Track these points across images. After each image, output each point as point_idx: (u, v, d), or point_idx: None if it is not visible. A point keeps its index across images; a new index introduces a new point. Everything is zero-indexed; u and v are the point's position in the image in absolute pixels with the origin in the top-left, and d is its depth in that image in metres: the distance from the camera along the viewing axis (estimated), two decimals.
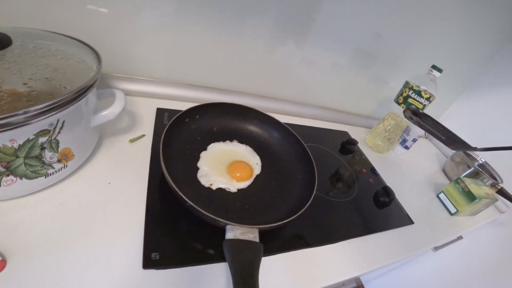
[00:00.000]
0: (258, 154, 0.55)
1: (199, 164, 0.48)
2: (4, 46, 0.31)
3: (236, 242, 0.35)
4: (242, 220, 0.39)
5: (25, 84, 0.29)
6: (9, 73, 0.29)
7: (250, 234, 0.36)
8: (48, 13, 0.46)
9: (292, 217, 0.40)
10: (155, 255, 0.34)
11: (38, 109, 0.27)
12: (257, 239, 0.36)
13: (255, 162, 0.53)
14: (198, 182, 0.45)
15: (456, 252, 0.92)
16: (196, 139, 0.51)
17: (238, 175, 0.48)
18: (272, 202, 0.47)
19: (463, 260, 0.93)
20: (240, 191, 0.47)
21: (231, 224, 0.36)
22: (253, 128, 0.59)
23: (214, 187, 0.45)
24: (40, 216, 0.33)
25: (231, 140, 0.55)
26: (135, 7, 0.51)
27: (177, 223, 0.39)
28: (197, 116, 0.52)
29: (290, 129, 0.57)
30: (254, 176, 0.50)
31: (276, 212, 0.45)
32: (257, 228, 0.37)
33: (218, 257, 0.37)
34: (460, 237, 0.82)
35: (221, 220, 0.35)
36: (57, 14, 0.47)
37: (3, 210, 0.32)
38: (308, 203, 0.43)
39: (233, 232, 0.35)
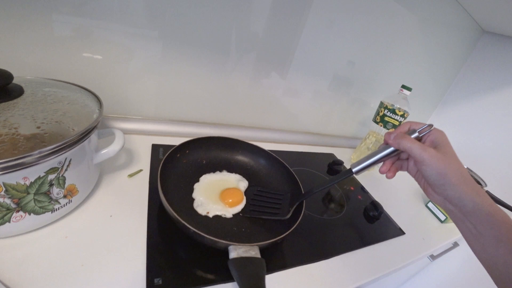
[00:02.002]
0: (248, 180, 0.58)
1: (194, 195, 0.50)
2: (18, 95, 0.36)
3: (240, 259, 0.37)
4: (242, 240, 0.41)
5: (38, 127, 0.33)
6: (23, 118, 0.33)
7: (251, 251, 0.38)
8: (50, 62, 0.52)
9: (288, 231, 0.42)
10: (158, 280, 0.36)
11: (50, 149, 0.31)
12: (259, 255, 0.38)
13: (244, 187, 0.56)
14: (195, 211, 0.47)
15: (455, 260, 0.93)
16: (189, 172, 0.54)
17: (230, 200, 0.51)
18: (266, 223, 0.50)
19: (463, 267, 0.93)
20: (235, 216, 0.49)
21: (233, 244, 0.38)
22: (240, 157, 0.62)
23: (211, 215, 0.47)
24: (46, 250, 0.35)
25: (220, 171, 0.58)
26: (126, 52, 0.57)
27: (178, 249, 0.41)
28: (187, 151, 0.55)
29: (274, 154, 0.61)
30: (245, 199, 0.53)
31: (271, 231, 0.47)
32: (257, 245, 0.39)
33: (219, 279, 0.39)
34: (456, 244, 0.83)
35: (224, 241, 0.38)
36: (57, 63, 0.52)
37: (10, 245, 0.34)
38: (300, 218, 0.46)
39: (236, 251, 0.38)
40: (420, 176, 0.38)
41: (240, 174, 0.59)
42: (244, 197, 0.53)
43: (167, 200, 0.40)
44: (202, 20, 0.58)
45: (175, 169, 0.52)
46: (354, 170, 0.41)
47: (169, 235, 0.42)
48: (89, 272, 0.34)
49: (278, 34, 0.67)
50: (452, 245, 0.83)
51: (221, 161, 0.60)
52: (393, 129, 0.40)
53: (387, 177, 0.40)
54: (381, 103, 0.79)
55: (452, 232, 0.72)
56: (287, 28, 0.67)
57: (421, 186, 0.39)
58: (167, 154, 0.49)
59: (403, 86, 0.76)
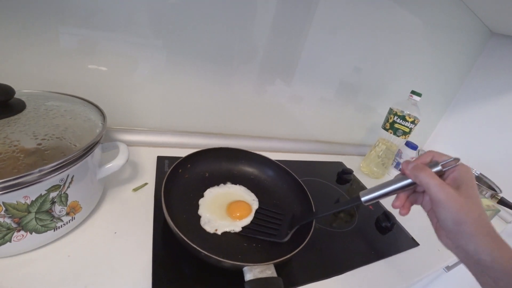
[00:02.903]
0: (253, 191, 0.56)
1: (200, 212, 0.48)
2: (20, 111, 0.35)
3: (258, 281, 0.35)
4: (254, 258, 0.40)
5: (39, 144, 0.32)
6: (24, 135, 0.32)
7: (267, 270, 0.37)
8: (55, 74, 0.51)
9: (302, 245, 0.41)
10: None
11: (51, 167, 0.30)
12: (275, 274, 0.37)
13: (251, 199, 0.54)
14: (203, 229, 0.45)
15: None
16: (192, 187, 0.52)
17: (238, 214, 0.49)
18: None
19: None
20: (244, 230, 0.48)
21: (248, 265, 0.36)
22: (245, 168, 0.61)
23: (219, 232, 0.46)
24: (48, 270, 0.34)
25: (224, 183, 0.56)
26: (131, 63, 0.56)
27: (184, 267, 0.39)
28: (189, 165, 0.53)
29: (281, 164, 0.59)
30: (253, 212, 0.51)
31: (283, 245, 0.45)
32: (272, 264, 0.38)
33: None
34: None
35: (239, 263, 0.36)
36: (62, 75, 0.52)
37: (12, 265, 0.33)
38: (311, 230, 0.44)
39: (252, 272, 0.36)
40: (433, 215, 0.33)
41: (244, 185, 0.57)
42: (252, 209, 0.51)
43: (174, 223, 0.38)
44: (205, 30, 0.57)
45: (178, 186, 0.50)
46: (362, 199, 0.37)
47: (175, 253, 0.40)
48: None
49: (282, 41, 0.66)
50: None
51: (224, 173, 0.58)
52: (413, 158, 0.35)
53: (401, 214, 0.36)
54: (391, 109, 0.78)
55: None
56: (291, 35, 0.66)
57: (432, 225, 0.34)
58: (168, 172, 0.47)
59: (413, 92, 0.74)
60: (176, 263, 0.39)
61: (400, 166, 0.36)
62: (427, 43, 0.87)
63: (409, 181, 0.34)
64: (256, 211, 0.51)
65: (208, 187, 0.54)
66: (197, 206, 0.49)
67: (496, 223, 0.82)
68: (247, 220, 0.49)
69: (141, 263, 0.38)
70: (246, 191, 0.56)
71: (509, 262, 0.27)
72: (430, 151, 0.35)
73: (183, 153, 0.54)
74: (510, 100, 0.97)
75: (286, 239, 0.46)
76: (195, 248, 0.35)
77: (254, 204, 0.53)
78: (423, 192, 0.35)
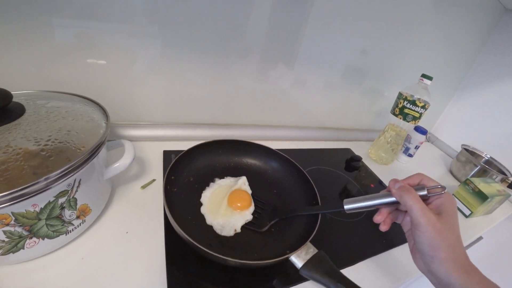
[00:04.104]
0: (253, 182, 0.54)
1: (209, 221, 0.45)
2: (19, 115, 0.34)
3: (309, 262, 0.38)
4: (272, 250, 0.41)
5: (42, 150, 0.31)
6: (26, 141, 0.31)
7: (309, 249, 0.39)
8: (53, 72, 0.50)
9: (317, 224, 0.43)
10: None
11: (57, 174, 0.29)
12: (316, 250, 0.39)
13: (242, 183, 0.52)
14: (223, 236, 0.43)
15: (477, 253, 0.90)
16: (187, 197, 0.48)
17: (239, 204, 0.48)
18: (289, 226, 0.48)
19: (485, 260, 0.90)
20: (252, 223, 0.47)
21: (294, 253, 0.38)
22: (244, 160, 0.59)
23: (238, 230, 0.45)
24: (63, 273, 0.34)
25: (213, 181, 0.53)
26: (130, 55, 0.54)
27: (199, 264, 0.39)
28: (172, 177, 0.47)
29: (282, 153, 0.57)
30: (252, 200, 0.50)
31: (298, 229, 0.46)
32: (309, 242, 0.40)
33: None
34: (480, 238, 0.80)
35: (284, 257, 0.37)
36: (61, 72, 0.50)
37: (27, 271, 0.33)
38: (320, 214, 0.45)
39: (300, 257, 0.38)
40: (411, 237, 0.35)
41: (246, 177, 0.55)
42: (249, 191, 0.51)
43: (186, 233, 0.35)
44: (204, 14, 0.54)
45: (180, 197, 0.47)
46: (345, 207, 0.39)
47: (189, 249, 0.40)
48: None
49: (283, 22, 0.62)
50: (475, 239, 0.80)
51: (208, 172, 0.54)
52: (402, 180, 0.37)
53: (381, 229, 0.37)
54: (400, 94, 0.75)
55: (478, 226, 0.69)
56: (293, 16, 0.62)
57: (409, 246, 0.36)
58: (165, 176, 0.44)
59: (423, 75, 0.71)
60: (190, 257, 0.39)
61: (388, 184, 0.38)
62: (438, 21, 0.83)
63: (393, 199, 0.35)
64: None
65: (203, 191, 0.50)
66: (202, 217, 0.46)
67: (507, 208, 0.81)
68: (252, 206, 0.49)
69: (155, 262, 0.38)
70: (235, 180, 0.54)
71: (478, 285, 0.29)
72: (419, 174, 0.37)
73: (188, 146, 0.52)
74: None
75: (264, 229, 0.46)
76: (219, 257, 0.34)
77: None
78: (405, 212, 0.37)
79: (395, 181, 0.36)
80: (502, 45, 0.98)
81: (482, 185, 0.69)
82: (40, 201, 0.30)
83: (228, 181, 0.53)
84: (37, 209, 0.30)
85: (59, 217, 0.33)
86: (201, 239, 0.36)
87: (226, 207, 0.47)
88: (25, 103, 0.36)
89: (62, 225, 0.34)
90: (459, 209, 0.71)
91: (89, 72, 0.52)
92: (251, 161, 0.59)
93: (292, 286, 0.40)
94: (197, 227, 0.44)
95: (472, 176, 0.84)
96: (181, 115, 0.66)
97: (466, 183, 0.71)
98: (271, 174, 0.58)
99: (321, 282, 0.36)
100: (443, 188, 0.35)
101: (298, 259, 0.38)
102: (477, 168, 0.83)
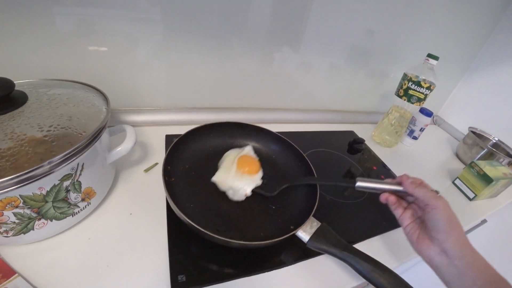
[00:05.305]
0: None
1: (222, 188, 0.47)
2: (22, 103, 0.35)
3: (316, 235, 0.40)
4: (295, 223, 0.42)
5: (45, 136, 0.32)
6: (30, 128, 0.32)
7: (313, 223, 0.42)
8: (55, 60, 0.50)
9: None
10: (181, 277, 0.36)
11: (60, 158, 0.30)
12: (319, 223, 0.42)
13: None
14: (226, 219, 0.45)
15: (482, 236, 0.90)
16: (197, 168, 0.50)
17: (247, 168, 0.49)
18: (288, 203, 0.50)
19: (490, 242, 0.91)
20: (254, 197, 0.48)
21: (300, 229, 0.40)
22: (246, 143, 0.59)
23: (249, 193, 0.47)
24: (71, 253, 0.36)
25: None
26: (131, 41, 0.54)
27: (199, 243, 0.41)
28: (169, 167, 0.46)
29: (281, 136, 0.58)
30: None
31: (301, 208, 0.48)
32: (312, 216, 0.42)
33: (243, 272, 0.39)
34: (484, 221, 0.80)
35: (291, 233, 0.39)
36: (62, 60, 0.51)
37: (38, 251, 0.35)
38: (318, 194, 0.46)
39: (306, 232, 0.40)
40: (416, 226, 0.40)
41: None
42: (254, 156, 0.53)
43: (188, 217, 0.36)
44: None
45: (181, 171, 0.49)
46: (357, 184, 0.42)
47: (190, 230, 0.42)
48: (115, 272, 0.35)
49: (288, 3, 0.61)
50: (479, 222, 0.80)
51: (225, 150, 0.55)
52: (409, 175, 0.42)
53: (385, 201, 0.43)
54: (405, 75, 0.73)
55: (481, 209, 0.69)
56: None
57: (413, 239, 0.40)
58: (166, 155, 0.45)
59: (429, 55, 0.69)
60: (191, 239, 0.41)
61: (397, 178, 0.42)
62: (446, 3, 0.79)
63: (401, 189, 0.41)
64: None
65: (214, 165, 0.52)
66: (212, 186, 0.48)
67: (510, 192, 0.80)
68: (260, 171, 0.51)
69: (158, 241, 0.40)
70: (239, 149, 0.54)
71: (482, 261, 0.35)
72: (421, 181, 0.41)
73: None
74: None
75: (275, 193, 0.48)
76: (220, 239, 0.35)
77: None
78: (408, 204, 0.42)
79: (407, 176, 0.41)
80: None
81: (488, 168, 0.68)
82: (45, 184, 0.31)
83: (233, 152, 0.54)
84: (44, 192, 0.31)
85: (65, 200, 0.34)
86: (207, 224, 0.37)
87: (236, 171, 0.48)
88: (28, 91, 0.37)
89: (68, 207, 0.35)
90: (462, 191, 0.71)
91: (90, 59, 0.53)
92: (250, 143, 0.59)
93: (298, 262, 0.42)
94: (201, 213, 0.44)
95: (479, 159, 0.83)
96: (183, 99, 0.66)
97: (471, 166, 0.70)
98: (269, 155, 0.58)
99: (328, 252, 0.39)
100: (437, 191, 0.41)
101: (304, 233, 0.40)
102: (484, 151, 0.82)
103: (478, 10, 0.87)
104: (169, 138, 0.59)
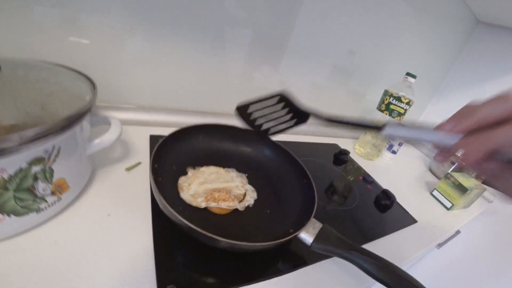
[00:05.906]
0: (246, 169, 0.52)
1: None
2: None
3: (319, 236, 0.37)
4: (294, 226, 0.40)
5: (20, 111, 0.26)
6: (1, 101, 0.26)
7: (316, 224, 0.39)
8: (34, 46, 0.45)
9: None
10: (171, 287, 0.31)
11: (34, 134, 0.25)
12: (321, 224, 0.39)
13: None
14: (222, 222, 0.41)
15: (456, 247, 0.93)
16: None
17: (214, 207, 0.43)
18: (285, 207, 0.47)
19: (465, 254, 0.94)
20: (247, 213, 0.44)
21: (302, 231, 0.37)
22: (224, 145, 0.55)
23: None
24: (32, 260, 0.29)
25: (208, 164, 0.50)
26: (116, 35, 0.50)
27: (190, 249, 0.36)
28: (156, 165, 0.40)
29: (275, 141, 0.55)
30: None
31: (299, 211, 0.45)
32: (313, 218, 0.40)
33: (239, 281, 0.34)
34: (458, 232, 0.83)
35: (293, 235, 0.36)
36: (41, 48, 0.45)
37: None
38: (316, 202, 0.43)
39: (308, 233, 0.38)
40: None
41: (238, 165, 0.52)
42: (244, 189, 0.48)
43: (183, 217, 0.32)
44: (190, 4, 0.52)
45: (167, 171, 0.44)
46: (386, 129, 0.29)
47: (179, 234, 0.36)
48: (88, 284, 0.28)
49: (272, 21, 0.62)
50: (454, 232, 0.83)
51: (216, 152, 0.53)
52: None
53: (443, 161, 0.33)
54: (386, 91, 0.77)
55: (458, 219, 0.71)
56: (280, 15, 0.62)
57: (503, 188, 0.28)
58: (154, 153, 0.40)
59: (408, 74, 0.74)
60: (180, 245, 0.36)
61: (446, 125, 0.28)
62: (417, 29, 0.88)
63: (450, 141, 0.27)
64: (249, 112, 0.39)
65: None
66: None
67: (481, 203, 0.85)
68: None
69: (142, 248, 0.34)
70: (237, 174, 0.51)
71: None
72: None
73: None
74: (496, 86, 1.00)
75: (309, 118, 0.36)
76: (226, 241, 0.32)
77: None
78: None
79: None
80: (475, 54, 1.07)
81: (462, 179, 0.72)
82: (9, 166, 0.25)
83: (212, 170, 0.49)
84: (6, 176, 0.25)
85: (31, 190, 0.28)
86: (200, 225, 0.32)
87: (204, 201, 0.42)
88: (1, 64, 0.31)
89: (34, 200, 0.29)
90: (440, 202, 0.74)
91: (71, 50, 0.48)
92: (245, 148, 0.56)
93: (298, 268, 0.39)
94: (191, 218, 0.39)
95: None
96: (170, 101, 0.63)
97: (447, 177, 0.73)
98: (259, 160, 0.55)
99: (334, 252, 0.37)
100: None
101: (307, 235, 0.37)
102: (455, 165, 0.87)
103: (443, 40, 0.99)
104: (154, 138, 0.54)
